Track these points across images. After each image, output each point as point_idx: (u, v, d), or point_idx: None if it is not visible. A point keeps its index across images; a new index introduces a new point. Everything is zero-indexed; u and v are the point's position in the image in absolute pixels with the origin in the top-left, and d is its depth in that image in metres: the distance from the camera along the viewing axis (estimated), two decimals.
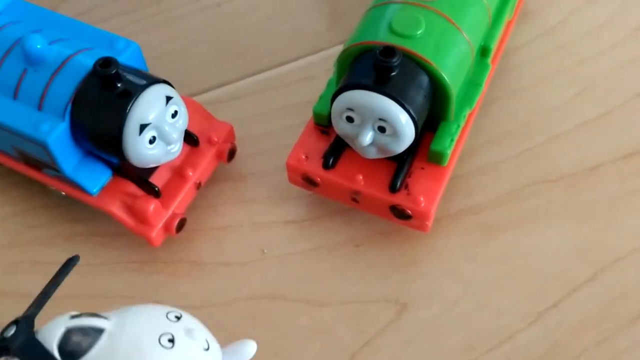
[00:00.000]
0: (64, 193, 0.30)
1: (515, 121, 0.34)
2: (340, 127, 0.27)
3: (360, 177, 0.29)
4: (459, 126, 0.29)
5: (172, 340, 0.21)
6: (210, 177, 0.32)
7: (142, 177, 0.29)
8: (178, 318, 0.22)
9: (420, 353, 0.28)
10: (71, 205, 0.32)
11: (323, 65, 0.36)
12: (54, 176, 0.29)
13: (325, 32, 0.38)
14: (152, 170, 0.30)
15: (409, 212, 0.28)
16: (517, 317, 0.29)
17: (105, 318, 0.22)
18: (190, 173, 0.30)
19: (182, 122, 0.28)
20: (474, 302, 0.29)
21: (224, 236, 0.31)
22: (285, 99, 0.35)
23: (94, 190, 0.29)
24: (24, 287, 0.30)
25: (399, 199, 0.28)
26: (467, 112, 0.29)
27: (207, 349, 0.22)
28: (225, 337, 0.28)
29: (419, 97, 0.27)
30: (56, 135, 0.27)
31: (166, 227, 0.29)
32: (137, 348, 0.21)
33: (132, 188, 0.29)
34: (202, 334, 0.23)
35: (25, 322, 0.21)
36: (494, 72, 0.33)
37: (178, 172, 0.30)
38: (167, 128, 0.27)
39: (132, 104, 0.26)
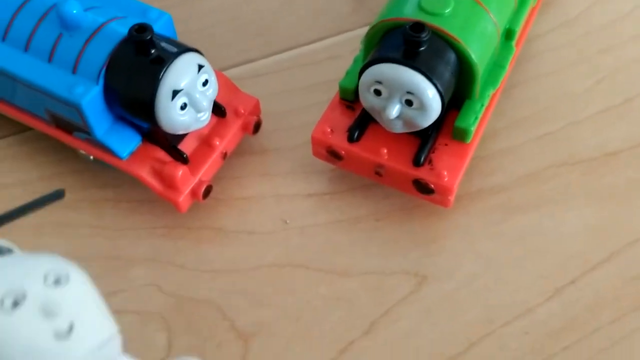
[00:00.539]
0: (92, 157, 0.31)
1: (537, 106, 0.35)
2: (368, 100, 0.28)
3: (385, 151, 0.29)
4: (482, 105, 0.29)
5: (17, 303, 0.17)
6: (235, 150, 0.32)
7: (171, 143, 0.30)
8: (57, 283, 0.18)
9: (439, 324, 0.29)
10: (98, 171, 0.33)
11: (347, 46, 0.37)
12: (85, 140, 0.30)
13: (349, 14, 0.38)
14: (180, 137, 0.30)
15: (432, 186, 0.29)
16: (535, 293, 0.29)
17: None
18: (217, 142, 0.31)
19: (212, 91, 0.29)
20: (492, 278, 0.30)
21: (248, 206, 0.32)
22: (309, 77, 0.36)
23: (124, 154, 0.29)
24: (50, 248, 0.31)
25: (423, 173, 0.29)
26: (491, 91, 0.30)
27: (65, 334, 0.17)
28: (248, 302, 0.29)
29: (447, 73, 0.27)
30: (90, 97, 0.28)
31: (193, 193, 0.30)
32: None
33: (161, 154, 0.30)
34: (71, 313, 0.17)
35: None
36: (516, 58, 0.34)
37: (205, 141, 0.31)
38: (197, 95, 0.28)
39: (166, 70, 0.27)
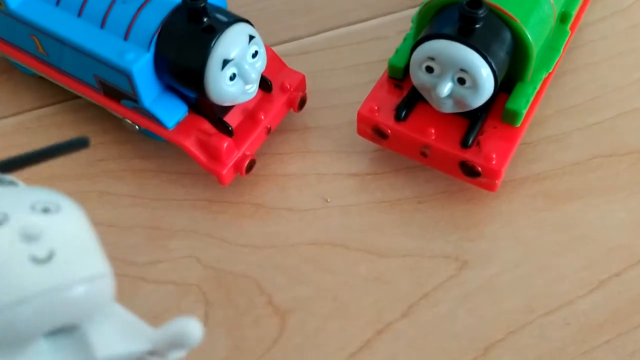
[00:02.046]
0: (137, 127, 0.31)
1: (586, 94, 0.34)
2: (419, 77, 0.28)
3: (432, 131, 0.29)
4: (535, 88, 0.29)
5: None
6: (278, 126, 0.32)
7: (217, 115, 0.30)
8: (46, 210, 0.17)
9: (479, 310, 0.28)
10: (142, 142, 0.33)
11: (394, 27, 0.36)
12: (132, 108, 0.30)
13: None
14: (226, 110, 0.30)
15: (479, 169, 0.28)
16: (578, 284, 0.29)
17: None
18: (262, 117, 0.31)
19: (260, 64, 0.29)
20: (534, 266, 0.29)
21: (289, 183, 0.32)
22: (356, 57, 0.36)
23: (171, 124, 0.29)
24: (93, 215, 0.31)
25: (470, 154, 0.28)
26: (544, 75, 0.29)
27: (43, 260, 0.16)
28: (286, 278, 0.29)
29: (501, 52, 0.27)
30: (140, 64, 0.28)
31: (236, 167, 0.30)
32: None
33: (206, 126, 0.30)
34: (52, 242, 0.16)
35: None
36: (568, 45, 0.33)
37: (251, 115, 0.31)
38: (247, 67, 0.28)
39: (217, 39, 0.27)
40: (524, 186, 0.31)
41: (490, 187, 0.29)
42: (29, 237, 0.16)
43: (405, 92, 0.30)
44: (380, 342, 0.28)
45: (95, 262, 0.17)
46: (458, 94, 0.27)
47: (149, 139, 0.33)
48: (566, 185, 0.31)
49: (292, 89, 0.32)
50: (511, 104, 0.28)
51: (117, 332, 0.18)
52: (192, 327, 0.18)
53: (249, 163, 0.30)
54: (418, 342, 0.28)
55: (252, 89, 0.29)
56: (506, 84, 0.29)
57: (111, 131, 0.34)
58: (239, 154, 0.30)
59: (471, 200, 0.31)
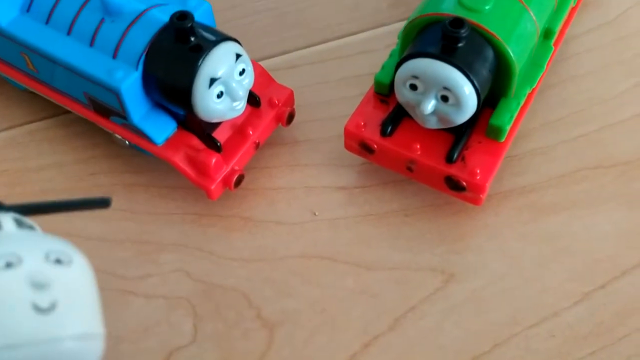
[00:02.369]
0: (128, 142, 0.32)
1: (571, 107, 0.34)
2: (403, 94, 0.28)
3: (418, 146, 0.29)
4: (518, 103, 0.29)
5: (9, 265, 0.17)
6: (267, 140, 0.33)
7: (205, 131, 0.30)
8: (58, 262, 0.17)
9: (464, 322, 0.29)
10: (132, 157, 0.33)
11: (383, 40, 0.37)
12: (121, 124, 0.30)
13: (386, 8, 0.38)
14: (215, 125, 0.30)
15: (464, 183, 0.29)
16: (563, 296, 0.29)
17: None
18: (251, 132, 0.31)
19: (248, 81, 0.29)
20: (520, 279, 0.30)
21: (278, 197, 0.32)
22: (344, 70, 0.36)
23: (160, 140, 0.30)
24: (84, 230, 0.32)
25: (455, 170, 0.29)
26: (528, 91, 0.30)
27: (44, 310, 0.16)
28: (274, 291, 0.29)
29: (484, 70, 0.27)
30: (129, 83, 0.28)
31: (225, 181, 0.30)
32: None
33: (195, 142, 0.30)
34: (58, 295, 0.17)
35: None
36: (553, 58, 0.34)
37: (239, 130, 0.31)
38: (234, 84, 0.28)
39: (204, 58, 0.27)
40: (510, 199, 0.32)
41: (476, 201, 0.29)
42: (37, 285, 0.16)
43: (391, 108, 0.30)
44: (367, 355, 0.28)
45: (92, 321, 0.18)
46: (442, 111, 0.27)
47: (139, 153, 0.33)
48: (551, 197, 0.32)
49: (280, 104, 0.32)
50: (495, 120, 0.29)
51: None
52: None
53: (237, 178, 0.30)
54: (405, 355, 0.28)
55: (240, 105, 0.29)
56: (490, 99, 0.29)
57: (102, 145, 0.34)
58: (228, 169, 0.30)
59: (457, 213, 0.31)
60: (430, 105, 0.27)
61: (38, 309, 0.16)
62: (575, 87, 0.35)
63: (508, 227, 0.31)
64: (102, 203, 0.20)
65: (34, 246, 0.17)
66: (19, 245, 0.17)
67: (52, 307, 0.16)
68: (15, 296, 0.16)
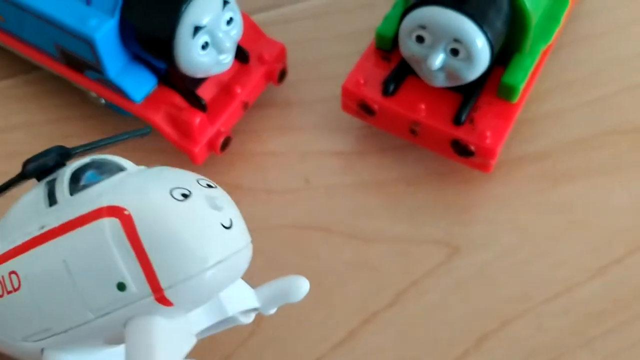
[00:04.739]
0: (103, 101, 0.29)
1: (586, 68, 0.32)
2: (408, 47, 0.25)
3: (422, 107, 0.27)
4: (533, 60, 0.27)
5: (185, 196, 0.18)
6: (257, 101, 0.30)
7: (189, 87, 0.27)
8: (209, 186, 0.19)
9: (471, 298, 0.26)
10: (108, 117, 0.31)
11: None
12: (96, 80, 0.28)
13: None
14: (199, 82, 0.28)
15: (473, 147, 0.26)
16: (577, 270, 0.27)
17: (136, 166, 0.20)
18: (239, 90, 0.28)
19: (236, 32, 0.26)
20: (531, 252, 0.27)
21: (268, 163, 0.30)
22: (341, 26, 0.33)
23: (138, 97, 0.27)
24: None
25: (463, 132, 0.26)
26: (543, 47, 0.27)
27: (228, 227, 0.18)
28: (265, 262, 0.27)
29: (498, 21, 0.24)
30: (104, 31, 0.25)
31: (210, 145, 0.28)
32: (142, 187, 0.18)
33: (177, 99, 0.27)
34: (230, 212, 0.18)
35: (58, 150, 0.20)
36: (568, 15, 0.31)
37: (225, 88, 0.28)
38: (220, 35, 0.25)
39: (188, 4, 0.24)
40: (521, 167, 0.29)
41: (484, 167, 0.27)
42: (216, 207, 0.18)
43: (393, 65, 0.28)
44: (366, 332, 0.26)
45: (247, 231, 0.20)
46: (451, 66, 0.25)
47: (116, 114, 0.30)
48: (565, 165, 0.29)
49: (271, 60, 0.29)
50: (508, 78, 0.26)
51: (237, 290, 0.21)
52: (302, 283, 0.21)
53: (224, 140, 0.28)
54: (406, 332, 0.26)
55: (227, 59, 0.26)
56: (502, 56, 0.27)
57: (75, 105, 0.31)
58: (213, 131, 0.28)
59: (464, 182, 0.29)
60: (438, 59, 0.24)
61: (224, 227, 0.18)
62: (591, 47, 0.32)
63: (518, 197, 0.29)
64: (144, 133, 0.21)
65: (184, 178, 0.18)
66: (174, 178, 0.18)
67: (231, 224, 0.18)
68: (210, 221, 0.18)
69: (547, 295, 0.27)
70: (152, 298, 0.17)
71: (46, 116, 0.31)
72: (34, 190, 0.19)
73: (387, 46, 0.28)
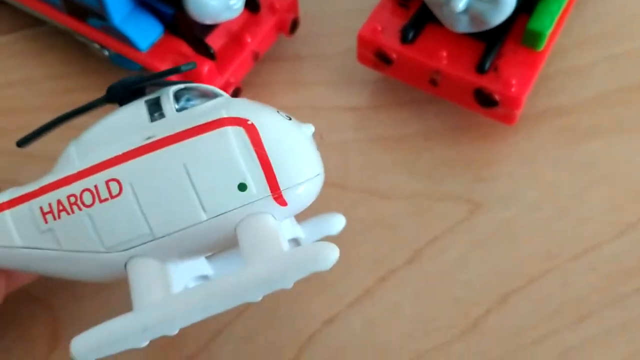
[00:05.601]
0: (107, 52, 0.28)
1: (609, 23, 0.30)
2: None
3: (444, 54, 0.25)
4: (560, 6, 0.25)
5: (289, 118, 0.20)
6: (268, 53, 0.29)
7: (197, 35, 0.26)
8: (289, 118, 0.21)
9: (493, 256, 0.25)
10: (110, 72, 0.29)
11: None
12: (100, 28, 0.26)
13: None
14: (208, 29, 0.26)
15: (497, 97, 0.25)
16: (604, 227, 0.26)
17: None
18: (249, 40, 0.27)
19: None
20: (555, 209, 0.26)
21: None
22: None
23: (144, 45, 0.26)
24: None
25: (487, 81, 0.25)
26: None
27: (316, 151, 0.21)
28: None
29: None
30: None
31: None
32: (253, 105, 0.20)
33: (184, 48, 0.26)
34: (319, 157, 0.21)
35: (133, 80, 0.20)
36: None
37: (235, 37, 0.27)
38: None
39: None
40: (544, 121, 0.28)
41: (509, 119, 0.26)
42: (310, 134, 0.20)
43: (412, 12, 0.26)
44: (383, 289, 0.25)
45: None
46: (475, 9, 0.23)
47: (119, 68, 0.29)
48: (590, 120, 0.28)
49: (282, 10, 0.28)
50: (534, 24, 0.25)
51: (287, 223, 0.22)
52: (340, 218, 0.23)
53: (233, 91, 0.26)
54: (425, 290, 0.25)
55: (237, 4, 0.25)
56: (527, 2, 0.25)
57: (77, 61, 0.30)
58: (222, 80, 0.26)
59: (485, 137, 0.28)
60: (462, 1, 0.23)
61: (317, 150, 0.20)
62: (614, 2, 0.31)
63: (542, 152, 0.27)
64: (190, 67, 0.21)
65: (266, 109, 0.20)
66: (255, 108, 0.19)
67: (317, 149, 0.20)
68: (311, 140, 0.20)
69: (572, 253, 0.25)
70: (270, 198, 0.19)
71: (48, 72, 0.30)
72: (120, 111, 0.20)
73: None
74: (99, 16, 0.25)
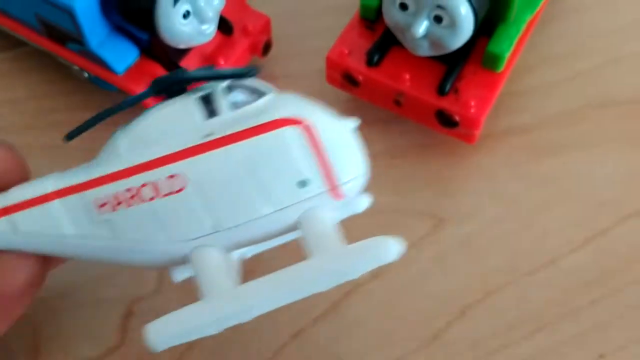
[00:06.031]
0: (86, 74, 0.29)
1: (572, 41, 0.32)
2: (392, 15, 0.25)
3: (407, 77, 0.26)
4: (518, 30, 0.26)
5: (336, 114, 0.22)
6: None
7: (171, 59, 0.27)
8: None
9: (455, 269, 0.26)
10: (92, 93, 0.30)
11: None
12: (79, 52, 0.27)
13: None
14: (182, 53, 0.27)
15: (457, 118, 0.26)
16: (563, 241, 0.27)
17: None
18: (222, 62, 0.28)
19: (218, 1, 0.26)
20: (517, 223, 0.27)
21: None
22: None
23: (120, 68, 0.27)
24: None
25: (448, 102, 0.26)
26: (529, 17, 0.27)
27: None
28: None
29: None
30: (84, 1, 0.25)
31: None
32: (305, 104, 0.21)
33: (160, 71, 0.27)
34: None
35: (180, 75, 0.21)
36: None
37: (209, 60, 0.28)
38: (202, 4, 0.25)
39: None
40: (506, 139, 0.29)
41: (469, 138, 0.27)
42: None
43: (378, 35, 0.27)
44: (348, 303, 0.26)
45: None
46: (435, 34, 0.25)
47: (99, 90, 0.30)
48: (551, 137, 0.29)
49: (255, 32, 0.29)
50: (493, 47, 0.26)
51: None
52: (365, 197, 0.23)
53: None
54: (388, 303, 0.26)
55: (210, 29, 0.26)
56: (487, 26, 0.26)
57: (59, 82, 0.31)
58: None
59: (449, 155, 0.29)
60: (422, 26, 0.24)
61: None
62: (577, 20, 0.32)
63: (504, 168, 0.28)
64: (252, 73, 0.22)
65: (317, 104, 0.21)
66: (308, 107, 0.21)
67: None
68: (358, 140, 0.22)
69: (532, 267, 0.26)
70: (327, 193, 0.20)
71: (30, 92, 0.31)
72: (169, 105, 0.21)
73: (371, 16, 0.28)
74: (77, 41, 0.27)
